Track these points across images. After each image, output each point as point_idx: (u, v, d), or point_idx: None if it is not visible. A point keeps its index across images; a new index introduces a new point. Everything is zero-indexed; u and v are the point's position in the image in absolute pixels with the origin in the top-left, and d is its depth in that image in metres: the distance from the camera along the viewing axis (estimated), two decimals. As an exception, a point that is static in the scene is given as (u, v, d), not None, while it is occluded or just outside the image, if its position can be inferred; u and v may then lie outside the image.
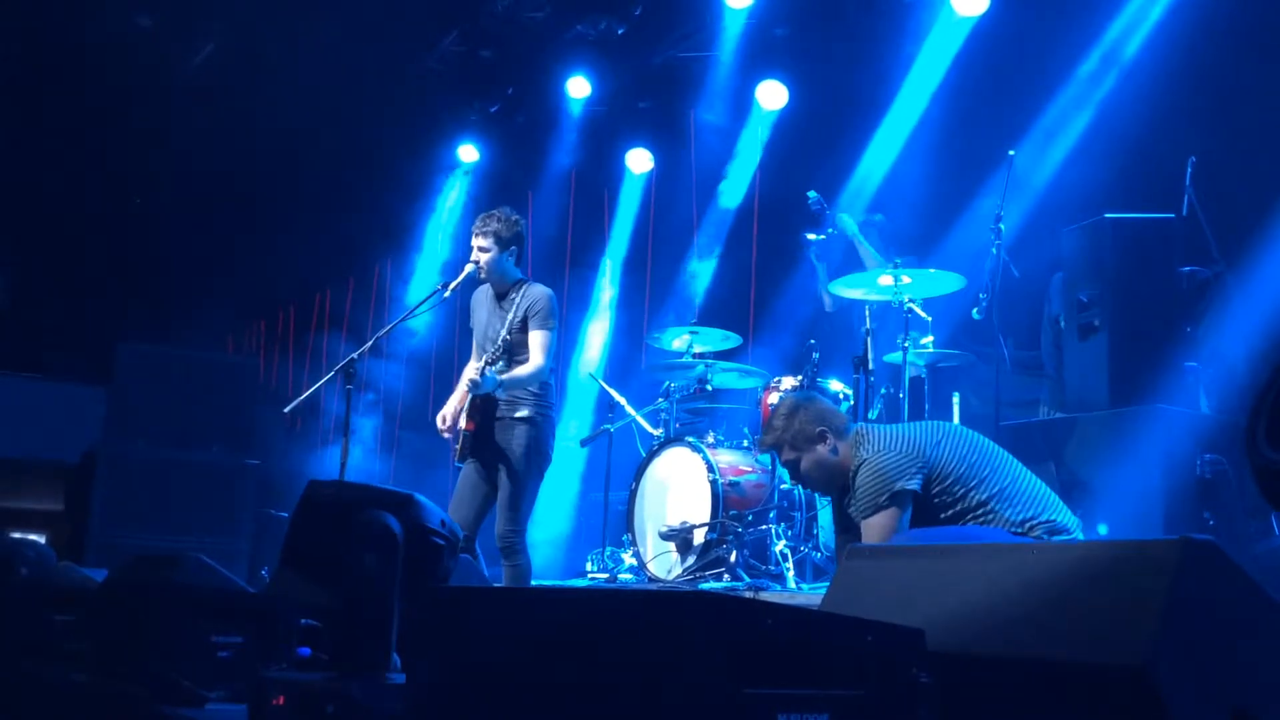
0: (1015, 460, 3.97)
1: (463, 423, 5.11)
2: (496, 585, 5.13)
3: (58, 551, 5.13)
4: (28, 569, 4.19)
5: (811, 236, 6.82)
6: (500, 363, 5.08)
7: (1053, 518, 3.78)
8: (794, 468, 4.11)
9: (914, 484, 3.81)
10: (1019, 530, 3.74)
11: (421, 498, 2.59)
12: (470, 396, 5.07)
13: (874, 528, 3.80)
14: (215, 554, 4.05)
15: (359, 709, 2.30)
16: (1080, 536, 3.84)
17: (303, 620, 3.20)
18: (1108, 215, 5.54)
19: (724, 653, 1.73)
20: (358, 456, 9.49)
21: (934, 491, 3.84)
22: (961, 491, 3.81)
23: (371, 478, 9.29)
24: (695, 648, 1.72)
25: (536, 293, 5.21)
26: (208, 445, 7.71)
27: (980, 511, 3.78)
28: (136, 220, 11.42)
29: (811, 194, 6.78)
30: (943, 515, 3.83)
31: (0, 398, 10.14)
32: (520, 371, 5.08)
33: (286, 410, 5.71)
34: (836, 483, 4.06)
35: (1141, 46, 6.48)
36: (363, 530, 2.37)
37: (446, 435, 5.22)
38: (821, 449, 4.01)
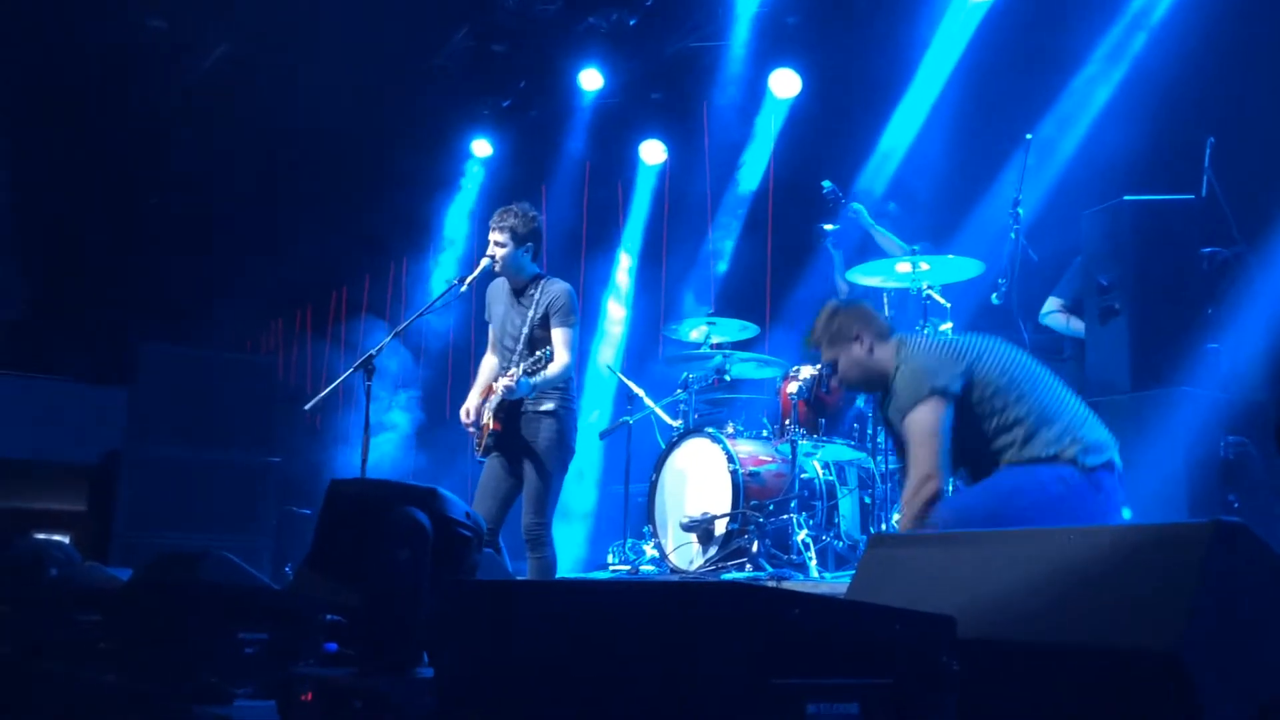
0: (1056, 379, 3.95)
1: (488, 421, 5.12)
2: (521, 578, 5.14)
3: (82, 552, 5.17)
4: (57, 569, 4.22)
5: (828, 226, 6.80)
6: (528, 362, 5.07)
7: (1089, 436, 3.77)
8: (833, 367, 4.18)
9: (955, 386, 3.80)
10: (1055, 450, 3.72)
11: (445, 491, 2.59)
12: (499, 398, 5.09)
13: (916, 423, 3.79)
14: (238, 551, 4.08)
15: (387, 704, 2.31)
16: (1116, 457, 3.81)
17: (328, 616, 3.21)
18: (1127, 198, 5.50)
19: (751, 643, 1.72)
20: (387, 450, 9.50)
21: (975, 399, 3.83)
22: (1001, 404, 3.81)
23: (394, 472, 9.31)
24: (722, 638, 1.71)
25: (556, 289, 5.21)
26: (229, 444, 7.75)
27: (1019, 429, 3.77)
28: (153, 221, 11.47)
29: (826, 183, 6.76)
30: (984, 427, 3.83)
31: (22, 400, 10.19)
32: (549, 372, 5.09)
33: (307, 408, 5.73)
34: (875, 384, 4.11)
35: (1157, 26, 6.43)
36: (394, 526, 2.37)
37: (471, 431, 5.23)
38: (858, 348, 4.05)
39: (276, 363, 9.95)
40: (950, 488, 4.08)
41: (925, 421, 3.77)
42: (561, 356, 5.12)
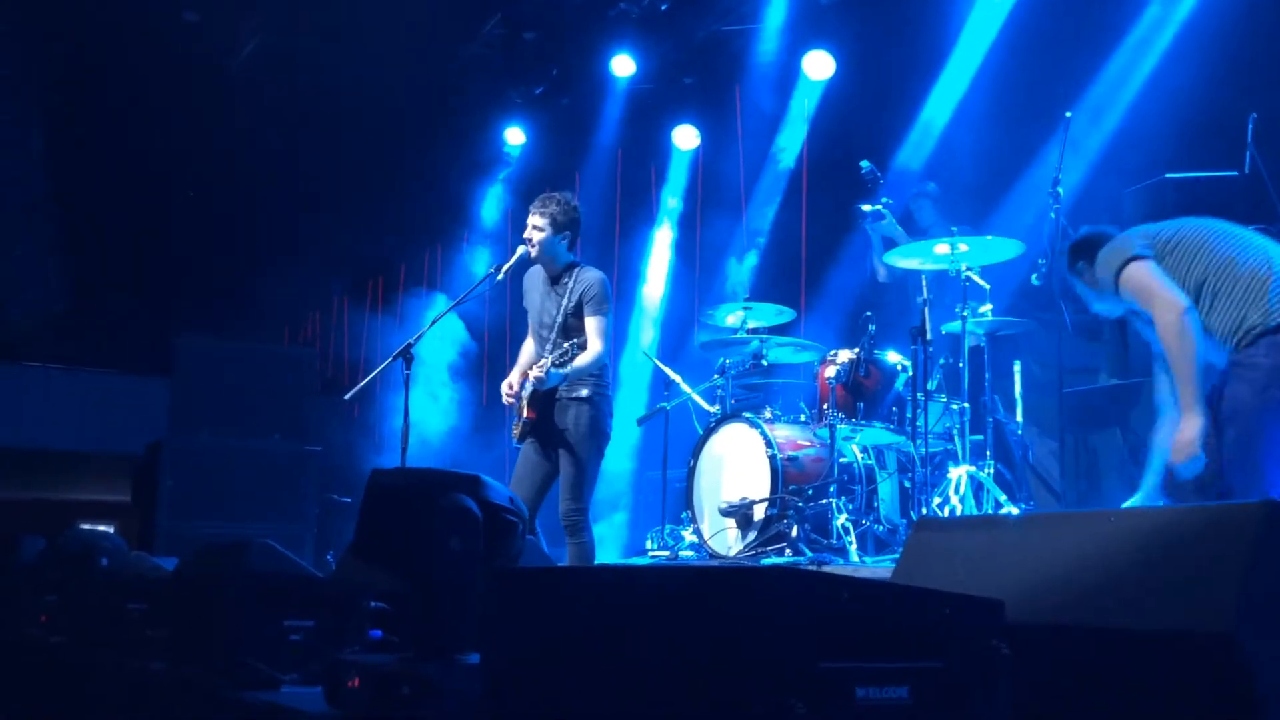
0: (1247, 234, 3.95)
1: (524, 411, 5.16)
2: (561, 565, 5.15)
3: (127, 541, 5.25)
4: (108, 559, 4.29)
5: (866, 208, 6.74)
6: (557, 354, 5.09)
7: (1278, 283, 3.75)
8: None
9: (1146, 251, 3.90)
10: (1242, 310, 3.72)
11: (487, 478, 2.60)
12: (532, 389, 5.12)
13: (1130, 282, 3.89)
14: (280, 540, 4.12)
15: (434, 690, 2.32)
16: None
17: (372, 603, 3.24)
18: (1169, 175, 5.44)
19: (801, 627, 1.72)
20: (427, 436, 9.53)
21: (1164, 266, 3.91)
22: (1183, 267, 3.87)
23: (431, 458, 9.36)
24: (772, 622, 1.71)
25: (590, 278, 5.22)
26: (269, 434, 7.83)
27: (1203, 289, 3.80)
28: (191, 214, 11.58)
29: (864, 164, 6.69)
30: None
31: (65, 392, 10.36)
32: (580, 362, 5.11)
33: (347, 397, 5.77)
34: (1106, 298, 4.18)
35: (1198, 1, 6.33)
36: (446, 514, 2.38)
37: (510, 401, 5.25)
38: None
39: (315, 352, 10.01)
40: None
41: (1136, 276, 3.87)
42: (594, 345, 5.14)
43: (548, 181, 6.03)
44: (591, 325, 5.17)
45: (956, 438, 5.91)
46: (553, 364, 5.04)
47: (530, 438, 5.24)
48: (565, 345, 5.10)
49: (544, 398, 5.17)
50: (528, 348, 5.49)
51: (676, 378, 7.09)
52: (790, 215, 8.81)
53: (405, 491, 2.69)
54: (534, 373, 5.07)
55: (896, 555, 3.78)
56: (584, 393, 5.17)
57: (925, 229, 6.80)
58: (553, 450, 5.20)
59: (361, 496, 2.80)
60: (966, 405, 5.85)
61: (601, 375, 5.26)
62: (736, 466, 6.18)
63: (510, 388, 5.26)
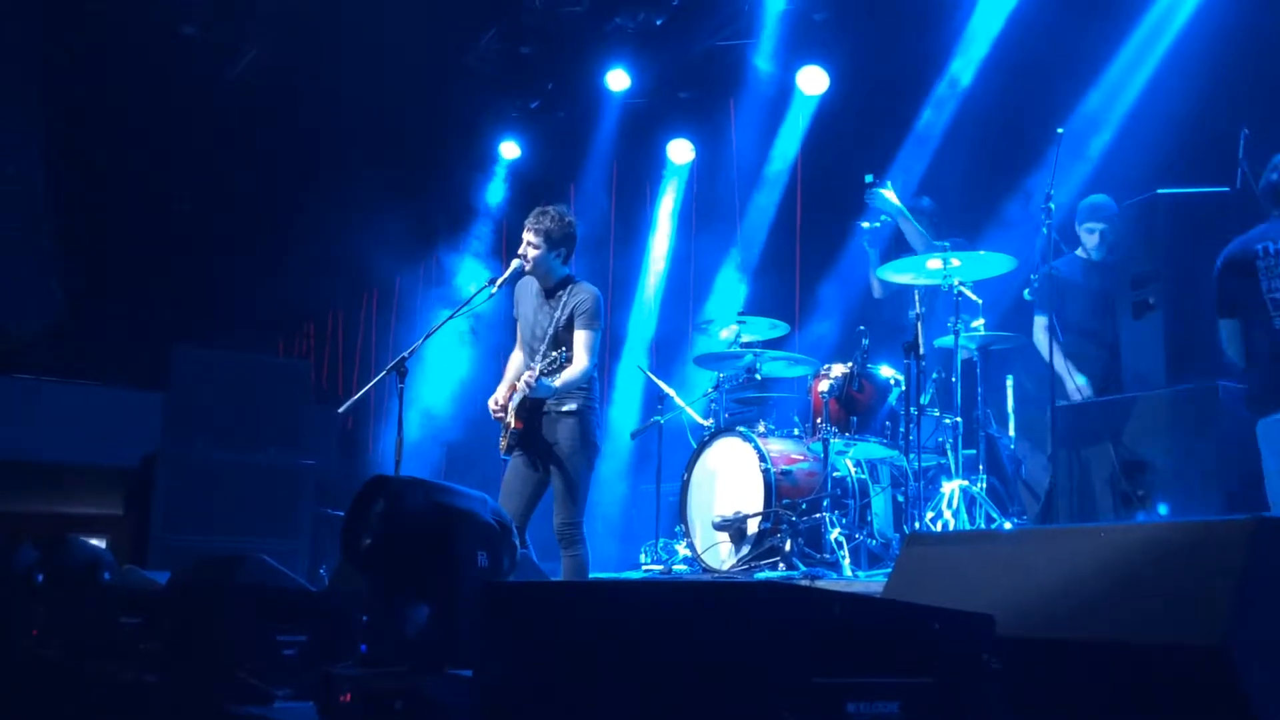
0: None
1: (512, 421, 5.16)
2: (555, 578, 5.15)
3: (120, 555, 5.23)
4: (110, 574, 4.28)
5: (866, 224, 6.73)
6: (545, 363, 5.10)
7: None
8: None
9: None
10: None
11: (490, 499, 2.61)
12: (521, 396, 5.12)
13: None
14: (274, 554, 4.11)
15: (428, 705, 2.32)
16: None
17: (365, 617, 3.23)
18: (1160, 191, 5.46)
19: (793, 642, 1.72)
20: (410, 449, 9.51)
21: None
22: None
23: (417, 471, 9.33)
24: (764, 637, 1.71)
25: (584, 293, 5.24)
26: (264, 447, 7.82)
27: None
28: (185, 226, 11.58)
29: (869, 177, 6.66)
30: None
31: (60, 405, 10.32)
32: (568, 375, 5.12)
33: (341, 410, 5.77)
34: None
35: (1190, 17, 6.37)
36: (473, 531, 2.40)
37: (498, 416, 5.26)
38: None
39: (310, 366, 10.01)
40: None
41: None
42: (581, 359, 5.15)
43: (543, 196, 6.04)
44: (580, 339, 5.19)
45: (949, 452, 5.92)
46: (541, 372, 5.05)
47: (519, 451, 5.24)
48: (553, 354, 5.11)
49: (532, 410, 5.17)
50: (515, 359, 5.50)
51: (670, 391, 7.10)
52: (784, 228, 8.83)
53: (425, 506, 2.68)
54: (524, 379, 5.07)
55: (890, 569, 3.79)
56: (573, 406, 5.18)
57: (910, 238, 6.80)
58: (543, 464, 5.21)
59: (359, 499, 2.77)
60: (959, 419, 5.86)
61: (590, 388, 5.27)
62: (730, 480, 6.19)
63: (496, 403, 5.27)
